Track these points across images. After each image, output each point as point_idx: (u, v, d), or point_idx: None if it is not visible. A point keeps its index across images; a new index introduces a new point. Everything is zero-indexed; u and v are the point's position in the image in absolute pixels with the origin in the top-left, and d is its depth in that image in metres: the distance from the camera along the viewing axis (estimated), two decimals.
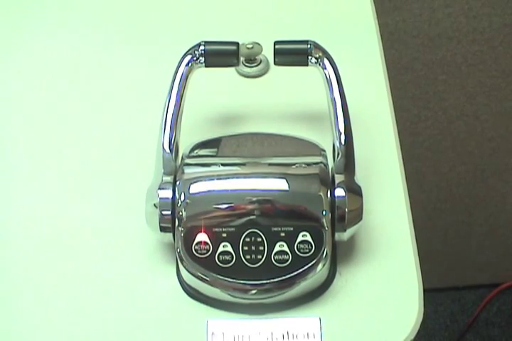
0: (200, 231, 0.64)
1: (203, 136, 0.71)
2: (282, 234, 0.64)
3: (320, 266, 0.64)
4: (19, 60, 0.86)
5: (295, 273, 0.63)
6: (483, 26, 1.24)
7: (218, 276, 0.63)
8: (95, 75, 0.85)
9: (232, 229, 0.64)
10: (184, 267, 0.64)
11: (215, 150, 0.70)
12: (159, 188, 0.65)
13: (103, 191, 0.74)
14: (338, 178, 0.66)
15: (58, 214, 0.73)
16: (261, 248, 0.64)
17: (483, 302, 1.70)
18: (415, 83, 1.33)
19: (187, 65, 0.71)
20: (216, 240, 0.64)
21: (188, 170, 0.67)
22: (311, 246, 0.64)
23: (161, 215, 0.65)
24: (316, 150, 0.69)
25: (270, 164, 0.67)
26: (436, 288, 1.71)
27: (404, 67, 1.29)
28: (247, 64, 0.83)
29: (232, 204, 0.64)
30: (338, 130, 0.68)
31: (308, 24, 0.88)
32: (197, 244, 0.64)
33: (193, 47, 0.72)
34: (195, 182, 0.65)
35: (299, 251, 0.64)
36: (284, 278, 0.63)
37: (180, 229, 0.64)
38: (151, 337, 0.65)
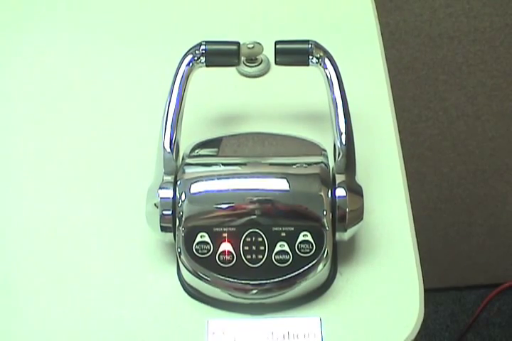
0: (201, 231, 0.64)
1: (203, 136, 0.71)
2: (283, 234, 0.64)
3: (321, 265, 0.64)
4: (20, 60, 0.86)
5: (296, 273, 0.63)
6: (484, 26, 1.24)
7: (219, 276, 0.63)
8: (96, 75, 0.85)
9: (233, 229, 0.64)
10: (185, 267, 0.64)
11: (216, 150, 0.70)
12: (160, 188, 0.65)
13: (104, 191, 0.74)
14: (339, 178, 0.66)
15: (58, 214, 0.73)
16: (261, 248, 0.64)
17: (484, 302, 1.70)
18: (416, 83, 1.33)
19: (188, 64, 0.71)
20: (217, 240, 0.64)
21: (188, 169, 0.67)
22: (312, 246, 0.64)
23: (162, 215, 0.65)
24: (317, 150, 0.69)
25: (271, 164, 0.67)
26: (437, 288, 1.71)
27: (405, 66, 1.29)
28: (247, 63, 0.83)
29: (232, 204, 0.64)
30: (339, 130, 0.68)
31: (309, 24, 0.89)
32: (197, 243, 0.64)
33: (193, 47, 0.72)
34: (195, 181, 0.65)
35: (300, 251, 0.64)
36: (284, 278, 0.63)
37: (180, 228, 0.64)
38: (151, 337, 0.65)
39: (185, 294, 0.67)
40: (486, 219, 1.62)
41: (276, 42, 0.72)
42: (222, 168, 0.67)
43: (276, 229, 0.64)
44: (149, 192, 0.66)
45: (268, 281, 0.63)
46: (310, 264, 0.63)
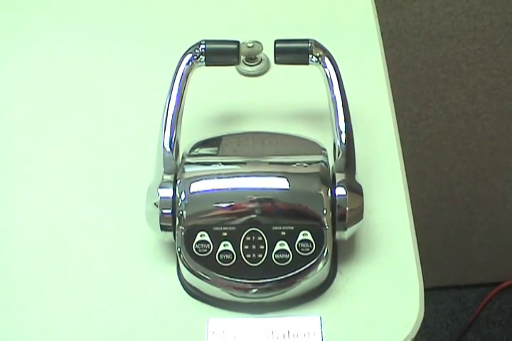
0: (201, 230, 0.64)
1: (203, 135, 0.71)
2: (283, 233, 0.64)
3: (320, 265, 0.64)
4: (19, 60, 0.86)
5: (296, 272, 0.63)
6: (483, 25, 1.24)
7: (219, 275, 0.63)
8: (95, 74, 0.85)
9: (233, 228, 0.64)
10: (185, 266, 0.64)
11: (216, 149, 0.70)
12: (160, 187, 0.65)
13: (103, 190, 0.74)
14: (339, 177, 0.66)
15: (58, 214, 0.73)
16: (261, 247, 0.64)
17: (484, 301, 1.70)
18: (416, 82, 1.33)
19: (187, 63, 0.71)
20: (217, 239, 0.64)
21: (188, 169, 0.67)
22: (312, 245, 0.64)
23: (162, 214, 0.65)
24: (317, 149, 0.69)
25: (271, 163, 0.67)
26: (437, 286, 1.71)
27: (405, 65, 1.29)
28: (247, 62, 0.83)
29: (232, 203, 0.64)
30: (339, 129, 0.68)
31: (308, 23, 0.88)
32: (197, 243, 0.64)
33: (193, 46, 0.72)
34: (195, 181, 0.65)
35: (300, 250, 0.64)
36: (284, 277, 0.63)
37: (180, 228, 0.64)
38: (151, 336, 0.65)
39: (185, 293, 0.67)
40: (486, 217, 1.62)
41: (276, 41, 0.72)
42: (222, 167, 0.67)
43: (276, 228, 0.64)
44: (149, 192, 0.66)
45: (268, 280, 0.63)
46: (310, 263, 0.63)
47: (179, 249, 0.64)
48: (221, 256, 0.63)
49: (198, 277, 0.64)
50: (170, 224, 0.65)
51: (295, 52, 0.72)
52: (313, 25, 0.88)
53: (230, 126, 0.78)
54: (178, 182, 0.66)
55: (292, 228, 0.64)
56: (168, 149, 0.68)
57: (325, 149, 0.69)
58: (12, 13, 0.91)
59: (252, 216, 0.64)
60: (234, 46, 0.72)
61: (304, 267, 0.63)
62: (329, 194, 0.65)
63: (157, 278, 0.68)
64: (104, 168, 0.76)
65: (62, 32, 0.89)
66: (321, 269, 0.64)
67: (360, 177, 0.67)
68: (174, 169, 0.67)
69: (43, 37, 0.89)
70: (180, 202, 0.65)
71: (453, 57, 1.29)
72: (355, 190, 0.65)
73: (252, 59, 0.83)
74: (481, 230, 1.65)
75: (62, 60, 0.86)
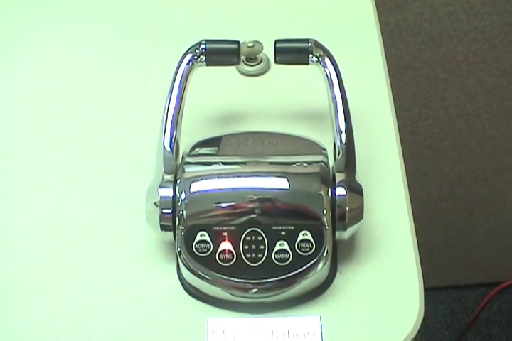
0: (201, 230, 0.64)
1: (203, 135, 0.71)
2: (283, 233, 0.64)
3: (320, 264, 0.64)
4: (19, 60, 0.86)
5: (296, 271, 0.63)
6: (484, 25, 1.24)
7: (219, 275, 0.63)
8: (95, 74, 0.84)
9: (233, 228, 0.64)
10: (185, 266, 0.64)
11: (216, 148, 0.70)
12: (160, 187, 0.65)
13: (104, 190, 0.74)
14: (339, 177, 0.66)
15: (59, 214, 0.73)
16: (261, 247, 0.64)
17: (484, 300, 1.70)
18: (416, 82, 1.33)
19: (188, 63, 0.71)
20: (217, 239, 0.64)
21: (188, 168, 0.67)
22: (312, 245, 0.64)
23: (162, 214, 0.65)
24: (317, 148, 0.69)
25: (271, 163, 0.67)
26: (437, 286, 1.71)
27: (405, 65, 1.29)
28: (247, 62, 0.83)
29: (232, 203, 0.64)
30: (339, 129, 0.68)
31: (309, 23, 0.88)
32: (197, 242, 0.64)
33: (193, 46, 0.72)
34: (195, 180, 0.65)
35: (300, 250, 0.64)
36: (284, 276, 0.63)
37: (180, 227, 0.64)
38: (151, 336, 0.65)
39: (185, 293, 0.67)
40: (486, 217, 1.62)
41: (276, 41, 0.72)
42: (222, 166, 0.67)
43: (276, 228, 0.64)
44: (149, 191, 0.66)
45: (268, 280, 0.63)
46: (310, 263, 0.63)
47: (179, 249, 0.64)
48: (221, 256, 0.63)
49: (198, 277, 0.64)
50: (170, 224, 0.65)
51: (295, 52, 0.72)
52: (313, 25, 0.88)
53: (230, 126, 0.78)
54: (178, 181, 0.66)
55: (292, 228, 0.64)
56: (168, 149, 0.68)
57: (325, 149, 0.69)
58: (12, 13, 0.91)
59: (252, 216, 0.64)
60: (234, 46, 0.72)
61: (304, 267, 0.63)
62: (329, 194, 0.65)
63: (157, 277, 0.68)
64: (104, 168, 0.76)
65: (62, 32, 0.89)
66: (321, 269, 0.64)
67: (360, 177, 0.67)
68: (174, 169, 0.67)
69: (43, 37, 0.89)
70: (180, 201, 0.65)
71: (453, 57, 1.29)
72: (355, 189, 0.65)
73: (252, 59, 0.83)
74: (481, 230, 1.65)
75: (62, 60, 0.86)
